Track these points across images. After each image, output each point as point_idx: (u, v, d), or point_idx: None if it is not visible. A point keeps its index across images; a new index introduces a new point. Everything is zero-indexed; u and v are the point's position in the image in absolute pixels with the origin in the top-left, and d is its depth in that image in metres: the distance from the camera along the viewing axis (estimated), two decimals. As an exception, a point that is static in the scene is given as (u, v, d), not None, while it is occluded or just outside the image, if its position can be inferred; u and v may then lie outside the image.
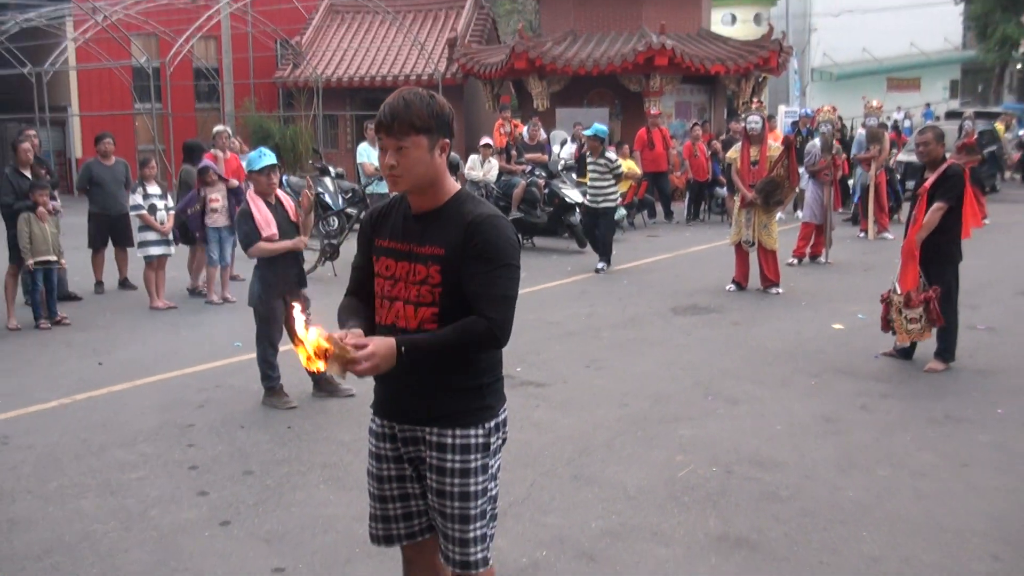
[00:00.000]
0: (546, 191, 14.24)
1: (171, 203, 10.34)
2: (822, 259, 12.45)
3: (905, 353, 7.56)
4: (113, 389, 7.08)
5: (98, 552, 4.38)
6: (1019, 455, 5.51)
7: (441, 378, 2.84)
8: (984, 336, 8.30)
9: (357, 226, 10.07)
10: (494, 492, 2.97)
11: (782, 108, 25.71)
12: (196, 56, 24.25)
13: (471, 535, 2.90)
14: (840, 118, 15.65)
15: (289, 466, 5.45)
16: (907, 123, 27.46)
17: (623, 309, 9.73)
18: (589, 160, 12.12)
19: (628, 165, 16.26)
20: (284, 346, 6.74)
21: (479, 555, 2.93)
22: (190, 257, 10.96)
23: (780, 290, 10.34)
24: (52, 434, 6.04)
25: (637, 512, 4.75)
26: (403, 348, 2.66)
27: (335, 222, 12.75)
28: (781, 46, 21.58)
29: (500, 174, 15.00)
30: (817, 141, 13.11)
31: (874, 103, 15.10)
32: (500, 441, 2.98)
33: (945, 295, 7.20)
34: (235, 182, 10.54)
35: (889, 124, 21.59)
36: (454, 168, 13.47)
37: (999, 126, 23.16)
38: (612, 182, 12.01)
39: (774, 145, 10.61)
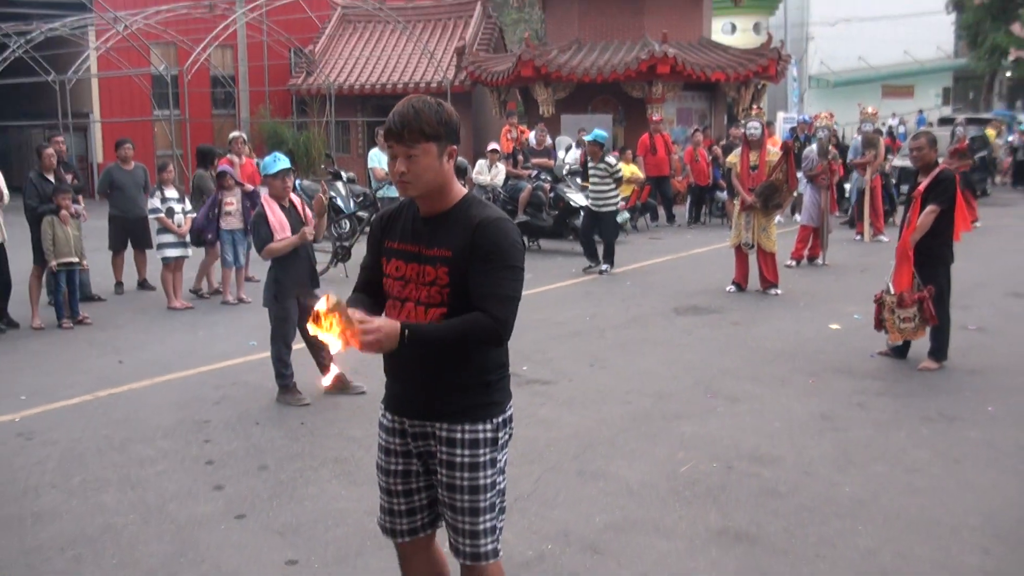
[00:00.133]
0: (551, 195, 14.24)
1: (188, 206, 10.36)
2: (820, 261, 12.42)
3: (900, 352, 7.55)
4: (133, 386, 7.10)
5: (119, 544, 4.40)
6: (1009, 452, 5.50)
7: (450, 375, 2.85)
8: (976, 336, 8.28)
9: (368, 229, 10.10)
10: (502, 486, 2.98)
11: (781, 114, 25.73)
12: (213, 64, 24.29)
13: (481, 527, 2.91)
14: (831, 125, 15.59)
15: (302, 461, 5.46)
16: (901, 129, 27.39)
17: (626, 309, 9.72)
18: (590, 165, 12.10)
19: (631, 170, 16.27)
20: (298, 345, 6.75)
21: (489, 546, 2.93)
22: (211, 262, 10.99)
23: (779, 291, 10.33)
24: (75, 430, 6.07)
25: (640, 506, 4.75)
26: (406, 331, 2.65)
27: (347, 225, 12.76)
28: (779, 54, 21.53)
29: (507, 178, 14.99)
30: (814, 146, 13.10)
31: (869, 109, 15.07)
32: (507, 436, 2.98)
33: (938, 296, 7.19)
34: (250, 186, 10.57)
35: (884, 130, 21.55)
36: (462, 172, 13.47)
37: (990, 132, 23.10)
38: (612, 186, 11.99)
39: (773, 150, 10.59)
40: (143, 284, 11.27)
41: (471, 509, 2.89)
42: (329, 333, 2.62)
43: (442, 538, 3.06)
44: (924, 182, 7.25)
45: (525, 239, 14.45)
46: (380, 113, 22.97)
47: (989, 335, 8.36)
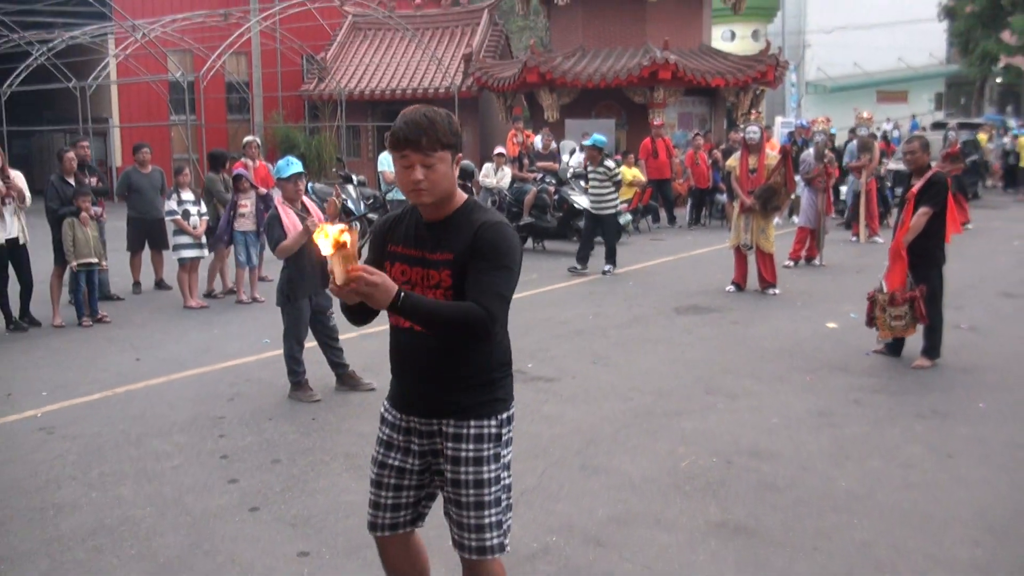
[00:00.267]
0: (556, 197, 14.23)
1: (203, 209, 10.38)
2: (817, 262, 12.41)
3: (894, 351, 7.54)
4: (150, 383, 7.11)
5: (137, 535, 4.40)
6: (999, 447, 5.48)
7: (457, 373, 2.85)
8: (967, 335, 8.25)
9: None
10: (507, 482, 2.97)
11: (779, 119, 25.66)
12: (228, 71, 24.33)
13: (486, 521, 2.90)
14: (828, 130, 15.57)
15: (313, 455, 5.46)
16: (896, 133, 27.31)
17: (628, 309, 9.71)
18: (589, 169, 12.07)
19: (633, 173, 16.28)
20: (309, 343, 6.76)
21: (495, 540, 2.92)
22: (223, 264, 11.02)
23: (777, 291, 10.31)
24: (94, 425, 6.08)
25: (641, 500, 4.74)
26: (401, 295, 2.61)
27: (357, 226, 12.77)
28: (777, 61, 21.51)
29: (513, 181, 14.99)
30: (811, 150, 13.07)
31: (865, 114, 15.10)
32: (510, 434, 2.98)
33: (931, 296, 7.18)
34: (264, 189, 10.58)
35: (879, 134, 21.51)
36: (469, 175, 13.48)
37: (982, 137, 23.05)
38: (612, 189, 11.96)
39: (771, 154, 10.58)
40: (160, 284, 11.29)
41: (476, 503, 2.88)
42: (337, 263, 2.53)
43: (441, 537, 3.05)
44: (917, 184, 7.24)
45: (530, 240, 14.48)
46: (389, 118, 22.96)
47: (980, 334, 8.34)
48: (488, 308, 2.70)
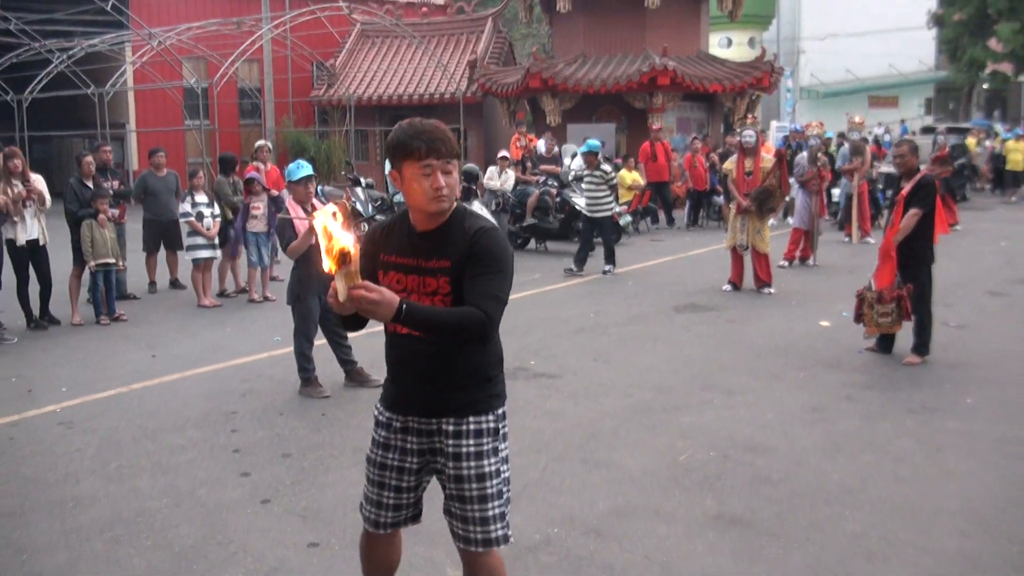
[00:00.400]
0: (558, 199, 14.22)
1: (217, 211, 10.39)
2: (810, 262, 12.39)
3: (885, 348, 7.53)
4: (165, 379, 7.12)
5: (152, 527, 4.41)
6: (987, 441, 5.48)
7: (455, 373, 2.85)
8: (956, 333, 8.24)
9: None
10: (507, 474, 2.97)
11: (774, 123, 25.62)
12: (240, 77, 24.32)
13: (490, 513, 2.90)
14: (822, 134, 15.52)
15: (323, 450, 5.47)
16: (887, 137, 27.25)
17: (628, 308, 9.70)
18: (586, 172, 12.02)
19: (633, 176, 16.27)
20: (319, 341, 6.76)
21: (499, 532, 2.92)
22: (234, 264, 11.02)
23: (772, 290, 10.30)
24: (111, 419, 6.09)
25: (641, 493, 4.74)
26: (404, 306, 2.59)
27: (365, 228, 12.74)
28: (772, 67, 21.49)
29: (516, 184, 14.98)
30: (805, 154, 13.05)
31: (857, 119, 15.02)
32: (506, 428, 2.99)
33: (920, 294, 7.18)
34: (275, 192, 10.58)
35: (870, 138, 21.45)
36: (473, 178, 13.48)
37: (970, 141, 22.99)
38: (607, 192, 11.90)
39: (767, 157, 10.56)
40: (175, 283, 11.31)
41: (479, 497, 2.88)
42: (340, 279, 2.51)
43: (438, 535, 3.05)
44: (907, 187, 7.24)
45: (533, 241, 14.48)
46: (397, 122, 22.96)
47: (968, 332, 8.32)
48: (487, 311, 2.70)
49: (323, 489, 4.85)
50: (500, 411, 2.94)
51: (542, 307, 9.74)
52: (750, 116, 20.39)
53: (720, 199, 16.13)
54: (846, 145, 15.02)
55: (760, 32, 34.96)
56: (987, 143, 23.96)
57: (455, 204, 2.88)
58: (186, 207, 10.20)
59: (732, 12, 22.64)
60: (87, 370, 7.45)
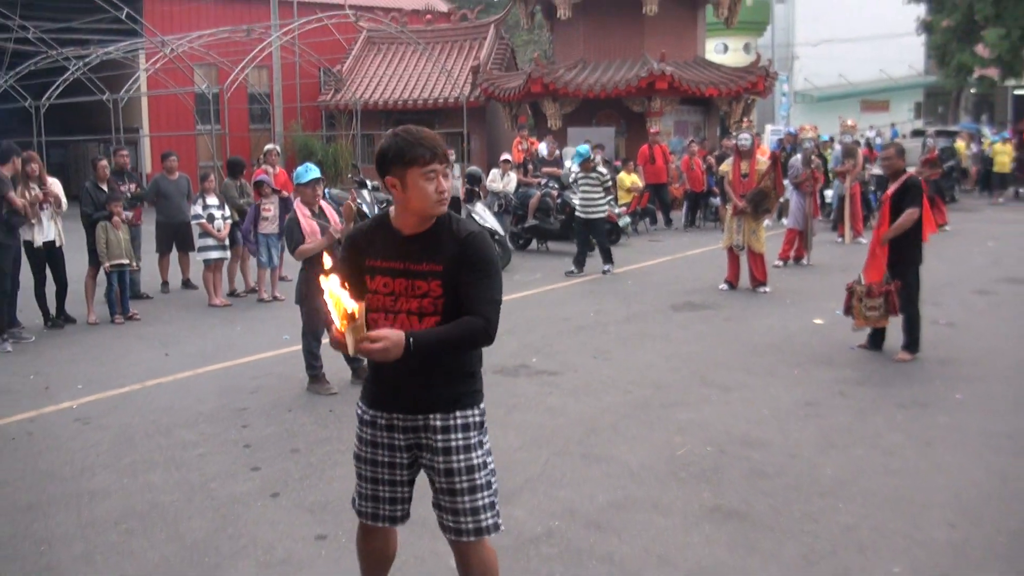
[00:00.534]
0: (559, 201, 14.20)
1: (227, 213, 10.39)
2: (804, 261, 12.38)
3: (876, 344, 7.52)
4: (178, 376, 7.13)
5: (165, 519, 4.42)
6: (975, 435, 5.47)
7: (440, 370, 2.85)
8: (945, 330, 8.23)
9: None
10: (492, 466, 2.98)
11: (769, 127, 25.62)
12: (250, 83, 24.34)
13: (480, 503, 2.91)
14: (816, 137, 15.51)
15: (331, 445, 5.47)
16: (878, 140, 27.20)
17: (627, 306, 9.70)
18: (580, 175, 11.97)
19: (632, 179, 16.26)
20: (326, 339, 6.74)
21: (490, 520, 2.93)
22: (244, 264, 11.03)
23: (767, 289, 10.29)
24: (126, 416, 6.10)
25: (640, 487, 4.74)
26: (411, 340, 2.64)
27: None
28: (767, 72, 21.47)
29: (518, 186, 14.98)
30: (799, 156, 13.03)
31: (849, 122, 14.99)
32: (486, 421, 3.01)
33: (908, 293, 7.17)
34: (285, 193, 10.59)
35: (862, 141, 21.42)
36: (476, 180, 13.47)
37: (960, 144, 22.95)
38: (602, 194, 11.86)
39: (762, 160, 10.55)
40: (186, 284, 11.32)
41: (469, 488, 2.89)
42: (349, 334, 2.60)
43: (433, 534, 3.05)
44: (892, 187, 7.26)
45: (534, 241, 14.47)
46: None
47: (957, 329, 8.31)
48: (487, 316, 2.75)
49: (331, 483, 4.85)
50: (483, 405, 2.97)
51: (543, 306, 9.74)
52: (746, 120, 20.40)
53: (717, 200, 16.11)
54: (839, 147, 14.99)
55: (755, 38, 34.90)
56: (973, 146, 23.92)
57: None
58: (197, 209, 10.22)
59: (728, 19, 22.64)
60: (102, 368, 7.46)
